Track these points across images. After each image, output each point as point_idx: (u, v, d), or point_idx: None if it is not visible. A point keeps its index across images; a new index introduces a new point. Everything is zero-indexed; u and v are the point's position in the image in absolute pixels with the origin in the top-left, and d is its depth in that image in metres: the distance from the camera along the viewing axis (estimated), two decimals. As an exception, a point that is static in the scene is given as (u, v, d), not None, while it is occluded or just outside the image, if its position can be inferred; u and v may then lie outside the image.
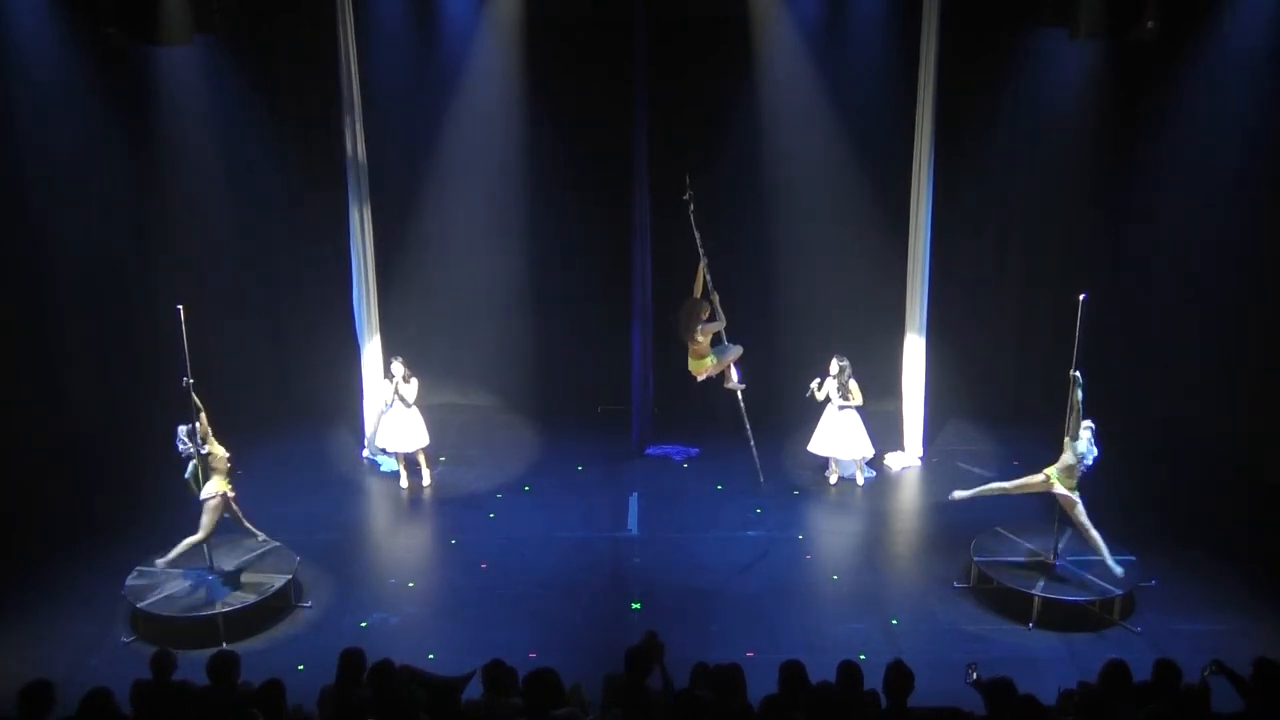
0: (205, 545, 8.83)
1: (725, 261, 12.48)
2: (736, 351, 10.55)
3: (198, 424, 8.65)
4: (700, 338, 10.32)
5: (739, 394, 10.58)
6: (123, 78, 11.10)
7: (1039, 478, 8.91)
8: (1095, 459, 8.70)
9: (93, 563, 9.37)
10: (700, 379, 10.54)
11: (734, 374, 10.59)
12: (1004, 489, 9.20)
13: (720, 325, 10.41)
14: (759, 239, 12.39)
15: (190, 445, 8.67)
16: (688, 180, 10.22)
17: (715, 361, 10.44)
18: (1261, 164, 10.55)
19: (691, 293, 10.46)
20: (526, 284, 12.70)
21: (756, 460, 10.68)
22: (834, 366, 10.71)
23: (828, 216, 12.21)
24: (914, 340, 11.25)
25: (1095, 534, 8.69)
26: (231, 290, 12.31)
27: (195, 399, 8.56)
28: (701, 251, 10.32)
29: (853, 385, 10.70)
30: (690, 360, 10.48)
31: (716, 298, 10.43)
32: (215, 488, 8.75)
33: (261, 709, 5.63)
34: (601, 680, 6.15)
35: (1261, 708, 5.68)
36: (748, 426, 10.59)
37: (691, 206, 10.28)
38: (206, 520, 8.73)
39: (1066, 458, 8.70)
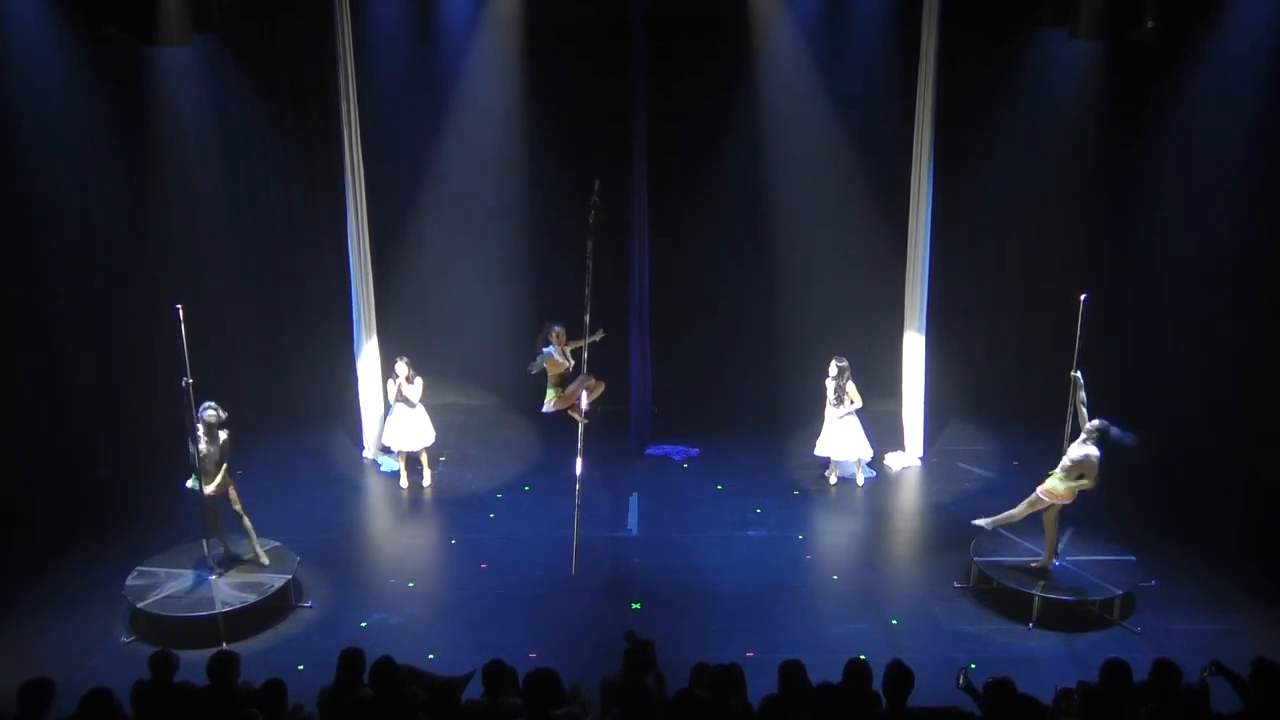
0: (205, 544, 8.84)
1: (725, 261, 12.56)
2: (582, 382, 9.58)
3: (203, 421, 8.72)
4: (545, 358, 9.42)
5: (580, 425, 9.60)
6: (123, 78, 11.10)
7: (1040, 497, 8.73)
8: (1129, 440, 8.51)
9: (93, 563, 9.37)
10: (546, 409, 9.61)
11: (582, 404, 9.64)
12: (1012, 517, 8.98)
13: (564, 366, 9.51)
14: (759, 238, 12.40)
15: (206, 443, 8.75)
16: (596, 185, 9.73)
17: (558, 395, 9.49)
18: (1261, 163, 10.54)
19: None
20: (526, 283, 12.68)
21: (575, 533, 9.32)
22: (833, 368, 10.71)
23: (827, 216, 12.21)
24: (914, 340, 11.25)
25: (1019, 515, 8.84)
26: (231, 290, 12.30)
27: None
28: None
29: (850, 387, 10.69)
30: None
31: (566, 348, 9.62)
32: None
33: (262, 709, 5.63)
34: (600, 682, 6.14)
35: (1260, 708, 5.68)
36: (578, 472, 9.44)
37: (593, 213, 9.45)
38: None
39: (1071, 457, 8.58)
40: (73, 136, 10.96)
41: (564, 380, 9.52)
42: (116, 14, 9.99)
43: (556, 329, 9.55)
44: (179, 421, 8.85)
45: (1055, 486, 8.63)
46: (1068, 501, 8.64)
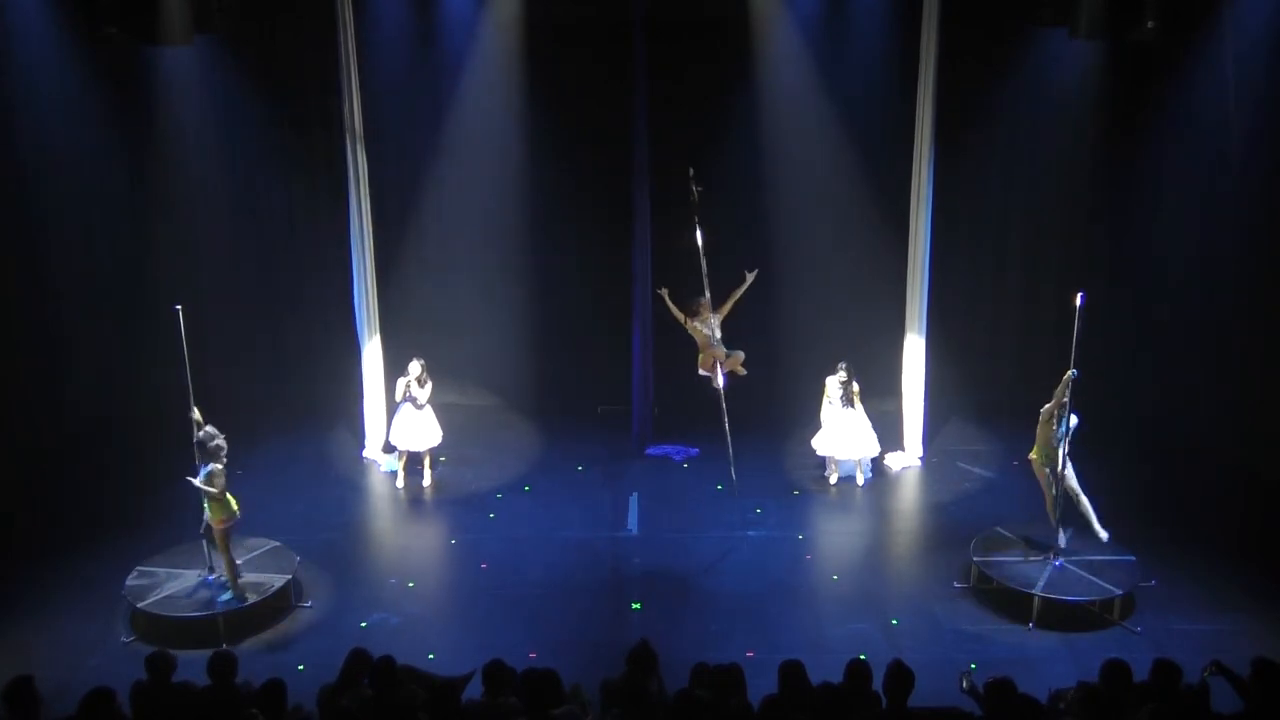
0: (204, 544, 8.84)
1: (725, 261, 12.55)
2: (713, 353, 10.35)
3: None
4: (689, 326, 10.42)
5: (722, 396, 10.38)
6: (123, 78, 11.10)
7: (1041, 475, 9.10)
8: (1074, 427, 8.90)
9: (93, 563, 9.36)
10: (703, 372, 10.50)
11: (719, 376, 10.35)
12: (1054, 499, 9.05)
13: (698, 328, 10.39)
14: (759, 239, 12.38)
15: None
16: (692, 173, 10.11)
17: (700, 362, 10.45)
18: (1261, 163, 10.54)
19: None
20: (526, 283, 12.70)
21: (733, 470, 10.39)
22: (842, 372, 10.70)
23: (828, 216, 12.23)
24: (914, 340, 11.26)
25: (1085, 500, 9.06)
26: (231, 290, 12.31)
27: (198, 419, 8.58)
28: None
29: (854, 387, 10.70)
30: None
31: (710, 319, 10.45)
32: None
33: (261, 709, 5.63)
34: (600, 683, 6.13)
35: (1260, 708, 5.68)
36: (727, 430, 10.35)
37: (695, 198, 10.15)
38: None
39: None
40: (73, 136, 10.97)
41: (705, 347, 10.35)
42: (116, 14, 10.00)
43: (702, 299, 10.41)
44: (179, 422, 8.83)
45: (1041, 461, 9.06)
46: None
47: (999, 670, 6.09)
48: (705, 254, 10.28)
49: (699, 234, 10.17)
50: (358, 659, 6.09)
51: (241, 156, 11.99)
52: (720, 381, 10.29)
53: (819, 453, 11.01)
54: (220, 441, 8.43)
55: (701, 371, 10.54)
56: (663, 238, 11.57)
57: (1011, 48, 11.57)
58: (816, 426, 11.01)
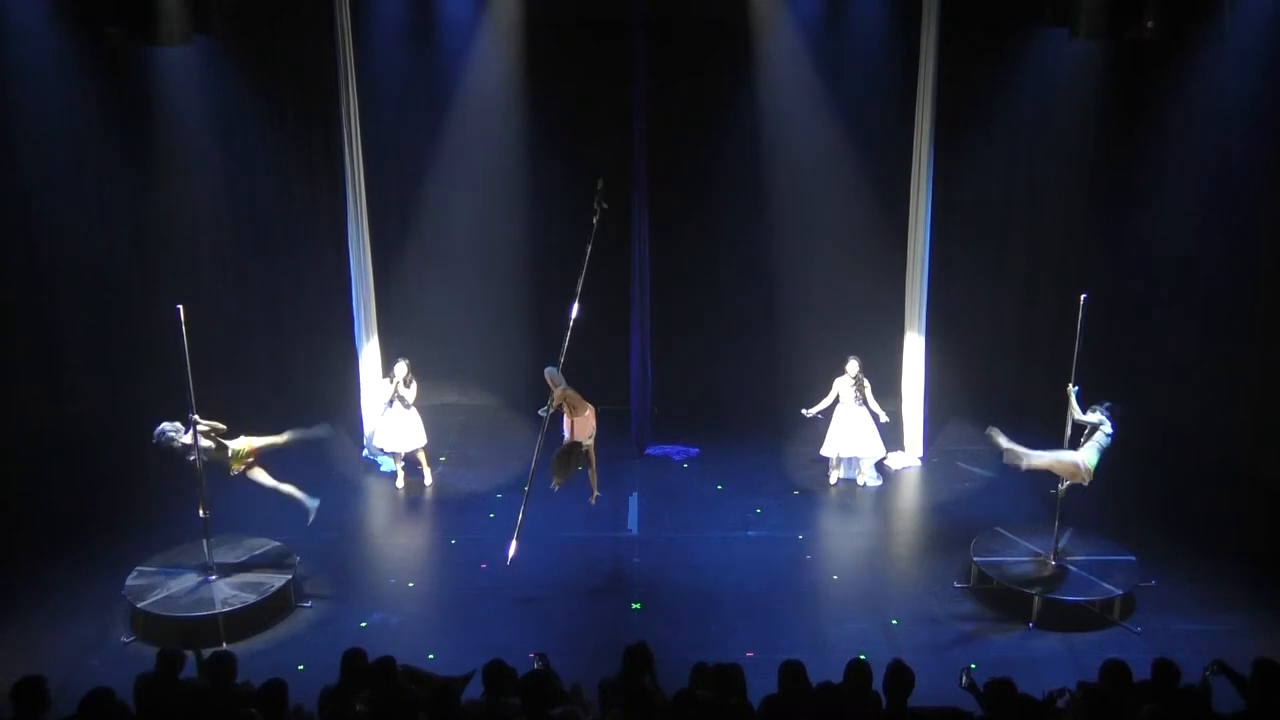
0: (205, 544, 8.84)
1: (725, 261, 12.58)
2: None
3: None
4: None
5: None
6: (123, 78, 11.10)
7: (1073, 463, 8.70)
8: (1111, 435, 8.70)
9: (93, 563, 9.36)
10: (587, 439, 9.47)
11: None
12: (1032, 460, 8.77)
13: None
14: (759, 239, 12.41)
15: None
16: (599, 185, 9.68)
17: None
18: (1261, 163, 10.55)
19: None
20: (526, 283, 12.69)
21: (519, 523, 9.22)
22: (852, 366, 10.69)
23: (828, 216, 12.23)
24: (914, 340, 11.26)
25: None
26: (231, 290, 12.30)
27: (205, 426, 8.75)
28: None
29: (866, 384, 10.69)
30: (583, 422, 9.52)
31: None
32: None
33: (261, 709, 5.63)
34: (598, 683, 6.13)
35: (1261, 708, 5.68)
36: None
37: (596, 216, 9.40)
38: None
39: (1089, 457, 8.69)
40: (73, 137, 10.97)
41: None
42: (116, 14, 9.99)
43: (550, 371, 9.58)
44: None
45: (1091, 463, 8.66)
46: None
47: (999, 670, 6.09)
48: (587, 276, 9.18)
49: (588, 256, 9.13)
50: (354, 660, 6.09)
51: (241, 156, 11.98)
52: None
53: (824, 453, 10.97)
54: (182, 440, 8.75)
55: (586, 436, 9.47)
56: (662, 237, 11.58)
57: (1011, 48, 11.57)
58: (817, 428, 10.99)
